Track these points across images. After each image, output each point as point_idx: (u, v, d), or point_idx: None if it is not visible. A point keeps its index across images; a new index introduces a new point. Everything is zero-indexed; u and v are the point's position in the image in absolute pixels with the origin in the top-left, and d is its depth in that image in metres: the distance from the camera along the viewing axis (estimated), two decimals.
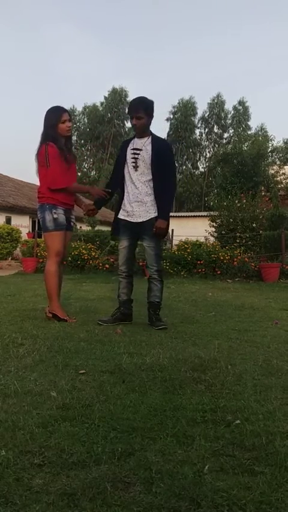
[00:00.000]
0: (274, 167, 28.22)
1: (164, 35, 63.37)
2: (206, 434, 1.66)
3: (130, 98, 43.29)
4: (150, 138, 3.85)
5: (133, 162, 3.82)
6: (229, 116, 44.37)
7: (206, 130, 43.95)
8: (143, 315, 4.32)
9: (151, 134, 3.89)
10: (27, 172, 49.29)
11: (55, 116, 3.91)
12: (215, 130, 43.21)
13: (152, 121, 3.90)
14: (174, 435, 1.65)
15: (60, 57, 65.91)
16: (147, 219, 3.83)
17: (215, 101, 42.86)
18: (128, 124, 45.75)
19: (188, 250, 10.46)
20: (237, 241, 11.94)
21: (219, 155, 27.92)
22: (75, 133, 45.55)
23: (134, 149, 3.85)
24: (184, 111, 41.73)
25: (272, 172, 27.34)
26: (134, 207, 3.85)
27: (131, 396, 2.03)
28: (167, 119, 43.92)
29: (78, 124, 44.61)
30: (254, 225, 12.37)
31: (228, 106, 44.23)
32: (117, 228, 3.99)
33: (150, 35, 65.77)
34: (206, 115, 43.34)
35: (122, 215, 3.92)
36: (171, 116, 43.53)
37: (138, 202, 3.84)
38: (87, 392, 2.08)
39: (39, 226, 20.98)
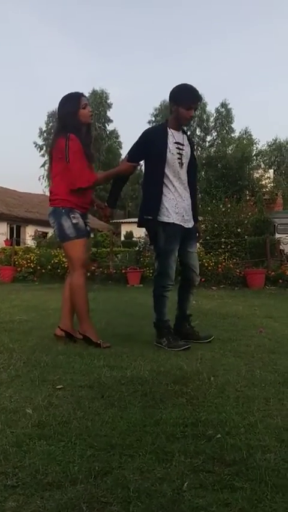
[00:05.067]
0: (259, 171, 28.56)
1: (145, 38, 63.85)
2: (186, 449, 1.67)
3: (111, 100, 43.50)
4: (183, 133, 3.66)
5: (179, 159, 3.54)
6: (211, 118, 44.77)
7: (188, 132, 44.32)
8: (123, 325, 4.31)
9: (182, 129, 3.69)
10: (6, 178, 48.97)
11: (73, 102, 3.56)
12: (198, 132, 43.61)
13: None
14: (153, 451, 1.65)
15: (41, 61, 65.83)
16: (193, 223, 3.71)
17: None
18: (110, 127, 45.88)
19: None
20: (222, 246, 12.03)
21: (203, 159, 28.19)
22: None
23: (177, 142, 3.56)
24: (166, 113, 41.97)
25: (257, 175, 27.68)
26: (187, 211, 3.62)
27: (110, 411, 2.03)
28: (149, 122, 44.11)
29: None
30: (239, 230, 12.49)
31: (211, 108, 44.72)
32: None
33: (131, 37, 66.20)
34: None
35: (177, 219, 3.54)
36: (153, 119, 43.75)
37: (188, 205, 3.64)
38: (65, 408, 2.08)
39: (18, 233, 20.71)
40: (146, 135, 3.64)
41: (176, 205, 3.54)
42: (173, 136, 3.55)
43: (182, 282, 3.85)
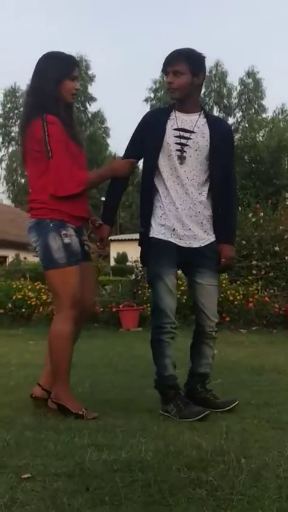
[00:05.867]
0: None
1: None
2: None
3: (93, 71, 44.27)
4: (202, 115, 3.69)
5: (178, 151, 3.60)
6: (234, 93, 45.37)
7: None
8: (117, 387, 4.30)
9: (202, 108, 3.75)
10: None
11: (62, 65, 3.58)
12: (216, 113, 44.13)
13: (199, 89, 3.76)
14: None
15: None
16: (208, 242, 3.66)
17: (213, 72, 43.95)
18: (93, 108, 46.52)
19: (182, 288, 10.51)
20: (254, 272, 12.03)
21: None
22: (17, 121, 46.06)
23: (180, 129, 3.61)
24: None
25: None
26: (185, 223, 3.60)
27: (99, 510, 2.02)
28: (146, 100, 44.71)
29: (23, 108, 45.30)
30: (277, 248, 12.51)
31: (233, 79, 45.30)
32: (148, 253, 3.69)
33: None
34: (202, 92, 44.24)
35: (162, 233, 3.61)
36: (152, 96, 44.32)
37: (191, 217, 3.62)
38: (34, 506, 2.07)
39: None
40: (143, 120, 3.76)
41: (163, 215, 3.62)
42: (176, 120, 3.63)
43: (194, 327, 3.85)
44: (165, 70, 3.63)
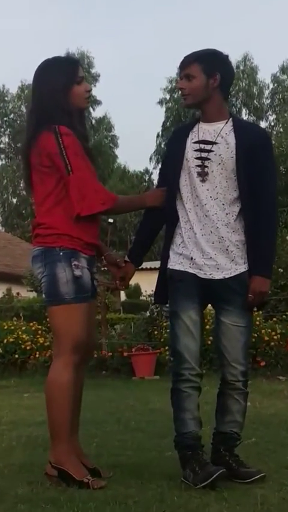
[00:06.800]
0: None
1: None
2: None
3: (96, 69, 44.83)
4: (230, 122, 3.70)
5: (199, 166, 3.63)
6: (266, 92, 45.54)
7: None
8: (130, 448, 4.28)
9: (231, 115, 3.76)
10: None
11: (65, 71, 3.66)
12: (244, 116, 44.37)
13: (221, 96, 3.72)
14: None
15: None
16: (234, 274, 3.60)
17: (241, 67, 44.16)
18: (97, 113, 46.99)
19: (208, 327, 10.49)
20: None
21: None
22: (7, 130, 46.66)
23: (200, 141, 3.66)
24: None
25: None
26: (205, 250, 3.60)
27: None
28: (160, 102, 45.02)
29: (13, 115, 45.86)
30: None
31: (264, 75, 45.49)
32: (166, 289, 3.75)
33: None
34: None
35: (179, 263, 3.66)
36: (168, 97, 44.64)
37: (213, 243, 3.60)
38: None
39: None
40: (168, 140, 3.98)
41: (182, 243, 3.67)
42: (197, 133, 3.68)
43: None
44: (180, 76, 3.75)
